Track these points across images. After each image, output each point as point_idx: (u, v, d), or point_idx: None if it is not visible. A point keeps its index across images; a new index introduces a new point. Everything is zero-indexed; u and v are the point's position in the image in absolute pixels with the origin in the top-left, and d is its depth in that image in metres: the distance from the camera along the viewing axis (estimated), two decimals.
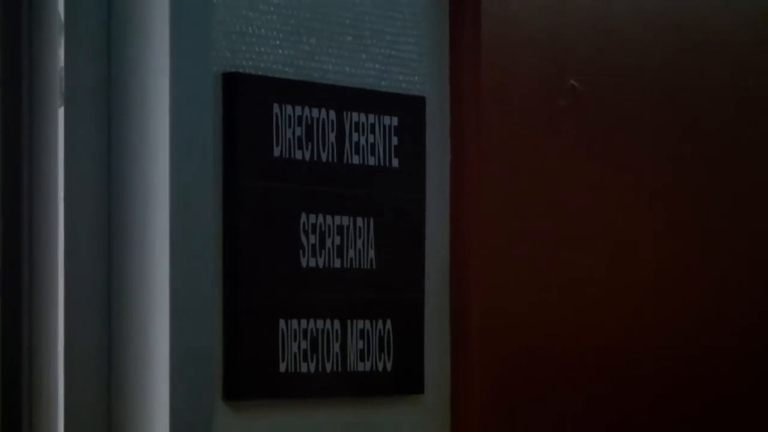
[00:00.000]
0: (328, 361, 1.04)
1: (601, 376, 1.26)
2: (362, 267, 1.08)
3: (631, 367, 1.29)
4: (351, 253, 1.07)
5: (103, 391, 1.03)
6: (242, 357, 0.98)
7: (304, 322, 1.02)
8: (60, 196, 1.03)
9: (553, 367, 1.21)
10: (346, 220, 1.06)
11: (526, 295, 1.19)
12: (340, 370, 1.06)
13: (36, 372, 1.05)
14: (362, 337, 1.07)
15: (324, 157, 1.05)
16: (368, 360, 1.08)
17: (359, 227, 1.08)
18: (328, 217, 1.04)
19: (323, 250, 1.04)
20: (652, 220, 1.30)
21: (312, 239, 1.03)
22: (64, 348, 1.00)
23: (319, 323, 1.03)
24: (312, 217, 1.03)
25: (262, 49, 1.05)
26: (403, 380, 1.14)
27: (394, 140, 1.12)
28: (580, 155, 1.23)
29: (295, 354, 1.00)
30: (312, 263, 1.02)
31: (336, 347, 1.04)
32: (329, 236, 1.05)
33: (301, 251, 1.01)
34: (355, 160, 1.09)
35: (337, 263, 1.06)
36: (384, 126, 1.09)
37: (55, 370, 1.05)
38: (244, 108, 0.99)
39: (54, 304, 1.05)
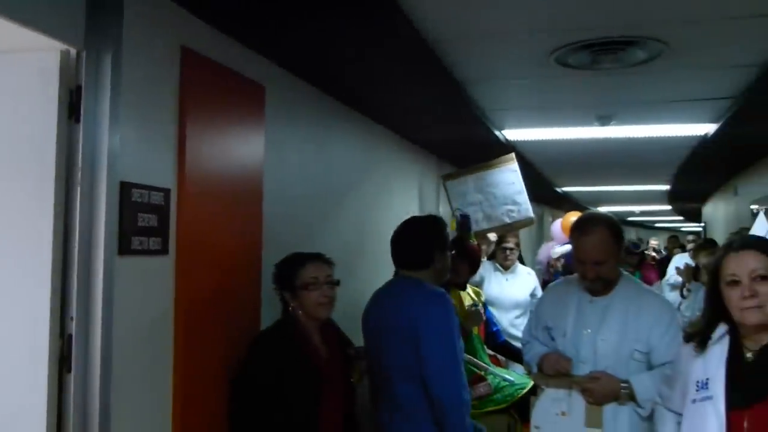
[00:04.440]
0: (151, 246, 2.98)
1: (217, 260, 3.24)
2: (153, 227, 3.07)
3: (224, 260, 3.26)
4: (150, 222, 2.91)
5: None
6: (123, 244, 2.75)
7: (137, 238, 2.83)
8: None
9: (206, 245, 3.10)
10: (150, 215, 2.79)
11: (196, 229, 2.99)
12: (154, 248, 2.93)
13: None
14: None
15: (147, 201, 2.72)
16: (162, 247, 2.97)
17: (154, 218, 2.88)
18: (148, 215, 2.76)
19: (143, 222, 2.84)
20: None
21: (141, 218, 2.72)
22: None
23: (143, 238, 3.03)
24: (142, 215, 2.71)
25: (133, 174, 2.59)
26: (166, 243, 2.92)
27: (163, 199, 2.95)
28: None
29: (137, 243, 2.76)
30: (142, 224, 2.77)
31: (150, 241, 3.09)
32: (145, 219, 2.78)
33: (137, 222, 2.75)
34: (153, 202, 2.79)
35: (152, 225, 3.00)
36: (160, 195, 2.81)
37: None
38: (126, 191, 2.57)
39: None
